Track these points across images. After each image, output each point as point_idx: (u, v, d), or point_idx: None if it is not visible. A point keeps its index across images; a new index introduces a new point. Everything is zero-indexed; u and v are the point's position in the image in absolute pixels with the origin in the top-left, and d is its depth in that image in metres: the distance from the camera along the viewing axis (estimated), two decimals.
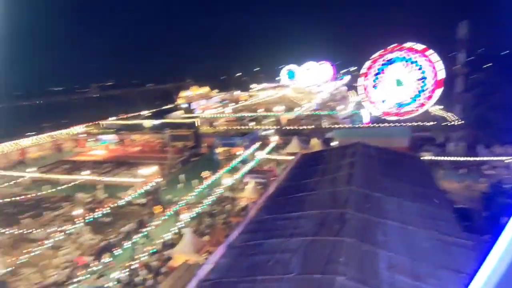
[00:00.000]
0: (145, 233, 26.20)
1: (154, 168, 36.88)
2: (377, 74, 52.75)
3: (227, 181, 33.48)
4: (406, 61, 50.38)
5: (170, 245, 24.27)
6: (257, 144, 45.26)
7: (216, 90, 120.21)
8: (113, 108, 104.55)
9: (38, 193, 38.93)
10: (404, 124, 48.63)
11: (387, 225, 12.35)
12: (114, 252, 24.10)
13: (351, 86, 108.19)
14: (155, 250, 23.77)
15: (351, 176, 16.36)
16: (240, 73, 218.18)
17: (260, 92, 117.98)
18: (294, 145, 41.14)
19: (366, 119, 55.70)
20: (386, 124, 50.16)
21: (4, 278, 20.85)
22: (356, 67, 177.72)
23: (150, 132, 57.56)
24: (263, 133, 56.44)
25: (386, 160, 19.29)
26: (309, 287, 9.54)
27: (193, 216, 27.87)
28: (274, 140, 46.45)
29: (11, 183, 42.71)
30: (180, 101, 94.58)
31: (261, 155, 41.36)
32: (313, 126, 57.68)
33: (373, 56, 52.71)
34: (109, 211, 30.36)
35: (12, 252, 25.71)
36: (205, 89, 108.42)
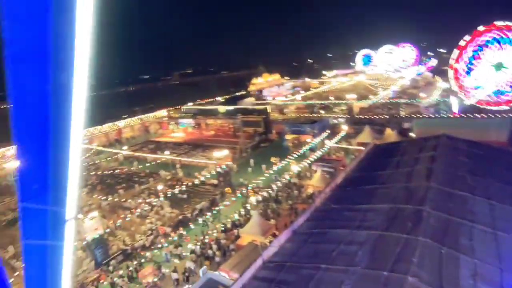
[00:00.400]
0: (216, 211, 28.02)
1: (226, 152, 38.79)
2: (471, 58, 45.89)
3: (295, 168, 33.48)
4: (499, 42, 42.70)
5: (238, 224, 25.56)
6: (327, 132, 43.98)
7: (287, 77, 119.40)
8: (191, 94, 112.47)
9: (131, 168, 44.66)
10: (504, 115, 41.64)
11: (473, 228, 10.92)
12: (189, 226, 26.44)
13: (438, 71, 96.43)
14: (223, 228, 25.29)
15: (431, 171, 14.80)
16: (312, 60, 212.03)
17: (332, 79, 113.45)
18: (366, 135, 38.78)
19: (455, 108, 49.18)
20: (481, 115, 43.65)
21: (104, 237, 24.64)
22: (445, 50, 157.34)
23: (224, 117, 60.41)
24: (334, 121, 54.49)
25: (478, 155, 16.88)
26: (376, 282, 9.09)
27: (261, 199, 28.70)
28: (345, 129, 44.49)
29: (109, 158, 49.75)
30: (252, 88, 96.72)
31: (330, 143, 40.13)
32: (388, 115, 53.45)
33: (465, 38, 45.82)
34: (186, 188, 33.18)
35: (110, 216, 30.23)
36: (276, 76, 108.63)
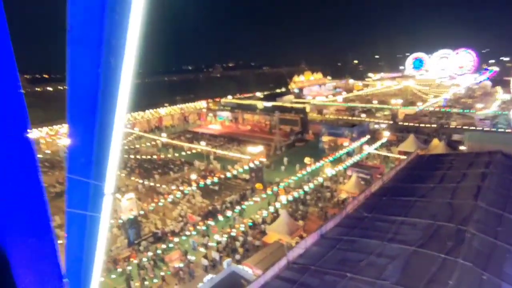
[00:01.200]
0: (245, 206, 28.38)
1: (261, 148, 38.92)
2: None
3: (329, 171, 32.86)
4: None
5: (266, 222, 25.70)
6: (366, 138, 42.47)
7: (330, 77, 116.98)
8: (231, 88, 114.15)
9: (168, 155, 46.59)
10: None
11: None
12: (217, 217, 27.07)
13: (499, 81, 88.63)
14: (251, 223, 25.56)
15: (480, 189, 13.74)
16: (357, 61, 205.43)
17: (378, 82, 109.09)
18: (410, 144, 36.85)
19: None
20: None
21: (138, 218, 26.05)
22: (509, 58, 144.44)
23: (261, 113, 60.73)
24: (375, 126, 52.49)
25: None
26: None
27: (291, 199, 28.56)
28: (386, 135, 42.66)
29: (149, 144, 52.28)
30: (293, 86, 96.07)
31: (369, 149, 38.74)
32: (437, 125, 50.26)
33: None
34: (218, 180, 33.92)
35: (144, 199, 31.86)
36: (318, 75, 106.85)
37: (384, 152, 39.09)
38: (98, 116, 2.64)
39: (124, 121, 2.85)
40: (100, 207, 3.23)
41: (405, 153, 32.67)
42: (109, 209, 3.37)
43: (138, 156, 46.51)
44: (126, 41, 2.43)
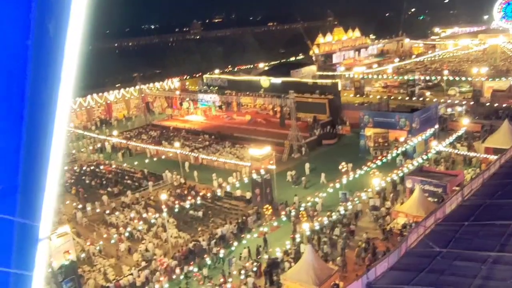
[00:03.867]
0: (246, 241, 28.45)
1: (268, 149, 38.96)
2: None
3: (377, 182, 33.01)
4: None
5: (279, 264, 25.79)
6: (434, 128, 42.59)
7: (373, 36, 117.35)
8: (218, 57, 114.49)
9: (123, 165, 46.80)
10: None
11: None
12: (204, 260, 27.15)
13: None
14: (256, 269, 25.65)
15: None
16: (415, 9, 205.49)
17: (450, 41, 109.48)
18: (503, 136, 37.09)
19: None
20: None
21: (77, 265, 26.11)
22: None
23: (267, 95, 60.74)
24: (447, 110, 52.70)
25: None
26: None
27: (318, 228, 28.65)
28: (465, 124, 42.86)
29: (91, 147, 52.49)
30: (316, 51, 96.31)
31: (439, 146, 38.97)
32: None
33: None
34: (202, 202, 34.00)
35: (87, 235, 32.00)
36: (355, 33, 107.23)
37: (463, 151, 39.47)
38: (27, 111, 2.56)
39: (67, 119, 2.78)
40: (31, 261, 2.99)
41: (496, 151, 32.84)
42: (44, 263, 3.13)
43: (75, 167, 46.75)
44: None
